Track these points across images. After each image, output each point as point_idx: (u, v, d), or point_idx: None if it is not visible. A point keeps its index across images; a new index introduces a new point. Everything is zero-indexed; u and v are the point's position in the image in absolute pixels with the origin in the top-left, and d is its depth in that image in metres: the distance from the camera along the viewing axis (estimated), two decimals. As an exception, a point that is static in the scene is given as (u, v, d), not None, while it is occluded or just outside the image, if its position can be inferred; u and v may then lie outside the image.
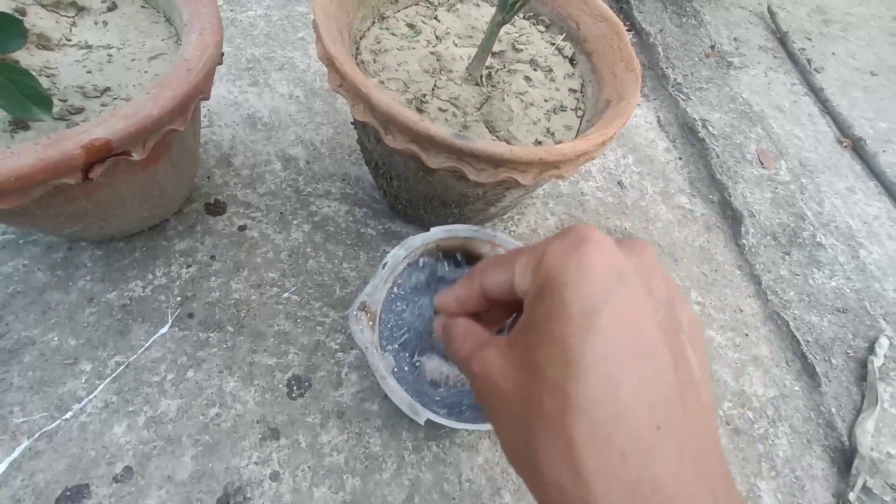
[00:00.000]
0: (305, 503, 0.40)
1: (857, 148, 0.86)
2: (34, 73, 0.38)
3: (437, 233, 0.41)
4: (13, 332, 0.44)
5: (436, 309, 0.24)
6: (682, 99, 0.82)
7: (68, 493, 0.38)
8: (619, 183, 0.70)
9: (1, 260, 0.47)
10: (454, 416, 0.35)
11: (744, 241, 0.66)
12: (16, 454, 0.39)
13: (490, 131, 0.44)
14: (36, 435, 0.40)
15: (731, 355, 0.56)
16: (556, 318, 0.16)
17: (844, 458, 0.50)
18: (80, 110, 0.36)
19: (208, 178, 0.58)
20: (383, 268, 0.38)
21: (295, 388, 0.46)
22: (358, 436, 0.44)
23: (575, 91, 0.49)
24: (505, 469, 0.45)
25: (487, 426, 0.33)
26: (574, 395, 0.15)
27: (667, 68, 0.85)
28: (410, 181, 0.44)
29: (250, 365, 0.46)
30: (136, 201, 0.44)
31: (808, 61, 0.99)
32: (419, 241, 0.40)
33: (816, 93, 0.95)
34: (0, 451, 0.38)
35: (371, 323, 0.35)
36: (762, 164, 0.76)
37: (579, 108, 0.47)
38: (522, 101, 0.46)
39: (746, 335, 0.58)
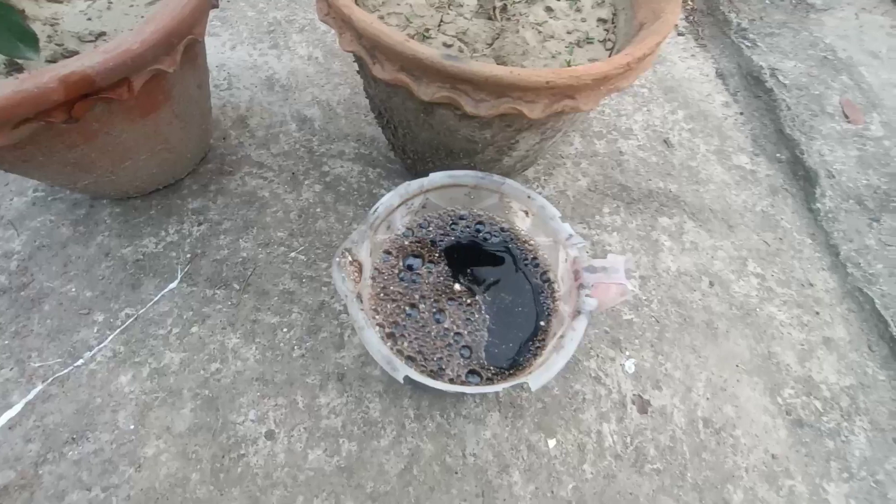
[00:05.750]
0: (299, 464, 0.39)
1: (977, 98, 0.71)
2: (40, 23, 0.38)
3: (438, 178, 0.37)
4: (36, 283, 0.45)
5: None
6: (747, 46, 0.71)
7: (74, 437, 0.39)
8: (666, 141, 0.62)
9: (31, 215, 0.49)
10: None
11: (818, 205, 0.56)
12: (31, 396, 0.40)
13: (502, 68, 0.39)
14: (49, 379, 0.41)
15: (796, 335, 0.48)
16: None
17: (943, 464, 0.41)
18: (73, 53, 0.36)
19: (224, 139, 0.57)
20: (373, 213, 0.34)
21: (296, 347, 0.44)
22: (357, 400, 0.42)
23: (605, 21, 0.42)
24: (515, 446, 0.40)
25: (477, 389, 0.29)
26: None
27: (729, 12, 0.74)
28: (412, 127, 0.40)
29: (253, 323, 0.45)
30: (142, 154, 0.44)
31: (915, -2, 0.83)
32: (416, 186, 0.36)
33: (924, 35, 0.79)
34: (17, 392, 0.40)
35: (355, 272, 0.32)
36: (847, 117, 0.64)
37: (608, 40, 0.41)
38: (540, 32, 0.40)
39: (817, 313, 0.49)
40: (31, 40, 0.31)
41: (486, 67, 0.29)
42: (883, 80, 0.72)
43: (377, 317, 0.34)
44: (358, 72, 0.46)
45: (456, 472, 0.39)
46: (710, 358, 0.46)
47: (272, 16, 0.70)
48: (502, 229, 0.39)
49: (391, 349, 0.32)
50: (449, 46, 0.39)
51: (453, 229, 0.39)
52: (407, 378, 0.28)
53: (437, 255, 0.38)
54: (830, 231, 0.54)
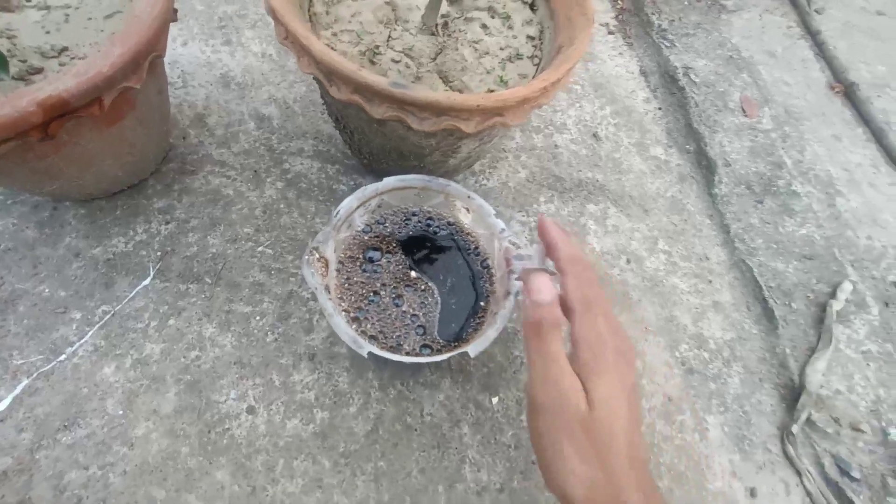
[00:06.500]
0: (279, 433, 0.45)
1: (849, 94, 0.84)
2: (-5, 35, 0.40)
3: (391, 182, 0.43)
4: (7, 285, 0.47)
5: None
6: (666, 46, 0.80)
7: (66, 425, 0.42)
8: (595, 135, 0.70)
9: (-9, 219, 0.50)
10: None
11: (716, 190, 0.66)
12: (17, 391, 0.43)
13: (444, 82, 0.44)
14: (34, 374, 0.44)
15: (692, 300, 0.58)
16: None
17: (793, 395, 0.53)
18: (38, 70, 0.38)
19: (184, 138, 0.59)
20: (335, 216, 0.40)
21: (269, 333, 0.49)
22: (327, 375, 0.48)
23: (533, 38, 0.48)
24: (465, 405, 0.48)
25: (428, 359, 0.36)
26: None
27: (652, 14, 0.82)
28: (367, 133, 0.45)
29: (227, 313, 0.49)
30: (107, 159, 0.46)
31: (808, 1, 0.95)
32: (371, 190, 0.42)
33: (813, 35, 0.91)
34: (3, 388, 0.43)
35: (322, 267, 0.38)
36: (745, 112, 0.75)
37: (536, 56, 0.47)
38: (477, 49, 0.46)
39: (710, 282, 0.60)
40: (2, 63, 0.33)
41: (426, 94, 0.34)
42: (776, 77, 0.83)
43: (343, 304, 0.40)
44: (315, 81, 0.50)
45: (415, 430, 0.46)
46: (624, 322, 0.55)
47: (222, 10, 0.71)
48: (449, 223, 0.46)
49: (356, 330, 0.38)
50: (397, 62, 0.44)
51: (407, 224, 0.45)
52: (370, 354, 0.34)
53: (393, 245, 0.44)
54: (724, 212, 0.65)
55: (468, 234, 0.45)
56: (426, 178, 0.43)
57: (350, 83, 0.35)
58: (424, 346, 0.40)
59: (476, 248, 0.44)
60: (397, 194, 0.44)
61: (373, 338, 0.39)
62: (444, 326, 0.41)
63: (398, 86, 0.34)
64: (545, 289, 0.32)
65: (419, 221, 0.45)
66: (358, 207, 0.41)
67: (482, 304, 0.42)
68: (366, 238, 0.44)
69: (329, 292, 0.37)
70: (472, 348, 0.35)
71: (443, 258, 0.44)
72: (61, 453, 0.41)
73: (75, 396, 0.44)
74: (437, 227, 0.45)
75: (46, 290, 0.48)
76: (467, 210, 0.44)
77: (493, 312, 0.40)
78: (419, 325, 0.41)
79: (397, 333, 0.40)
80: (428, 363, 0.37)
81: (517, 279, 0.39)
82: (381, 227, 0.45)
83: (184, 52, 0.66)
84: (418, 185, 0.43)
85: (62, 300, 0.47)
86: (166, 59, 0.64)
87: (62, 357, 0.45)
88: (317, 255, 0.37)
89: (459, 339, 0.40)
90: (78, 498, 0.40)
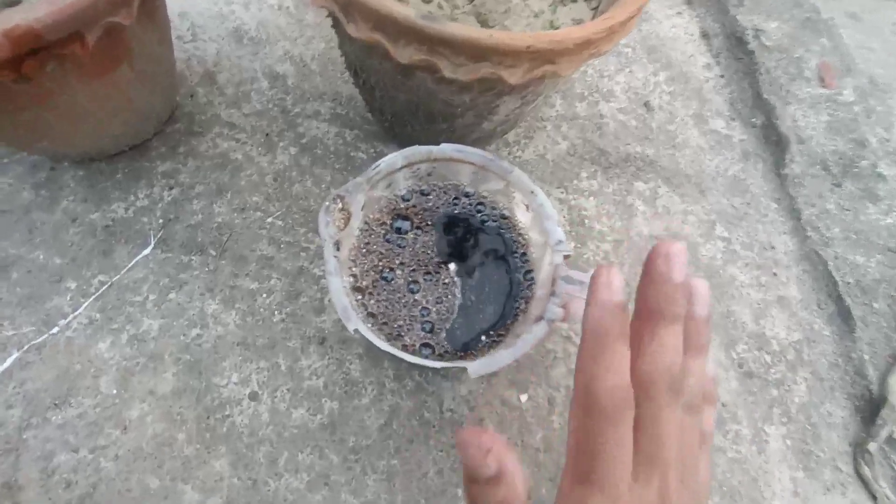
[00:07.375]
0: (283, 423, 0.40)
1: (946, 63, 0.72)
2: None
3: (448, 149, 0.37)
4: (0, 250, 0.44)
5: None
6: (733, 5, 0.70)
7: (56, 403, 0.39)
8: (646, 104, 0.62)
9: (-14, 178, 0.47)
10: None
11: (787, 170, 0.58)
12: (7, 364, 0.40)
13: (483, 27, 0.38)
14: (25, 347, 0.41)
15: (754, 295, 0.51)
16: None
17: (871, 408, 0.45)
18: (16, 2, 0.33)
19: (192, 96, 0.54)
20: (374, 168, 0.34)
21: (276, 312, 0.45)
22: (338, 362, 0.43)
23: (589, -22, 0.41)
24: (489, 401, 0.43)
25: (420, 360, 0.31)
26: None
27: (717, -33, 0.72)
28: (389, 88, 0.39)
29: (232, 288, 0.45)
30: (102, 115, 0.41)
31: (900, -44, 0.82)
32: (424, 152, 0.36)
33: (904, -4, 0.79)
34: (-7, 360, 0.40)
35: (342, 220, 0.33)
36: (823, 81, 0.65)
37: (592, -1, 0.40)
38: (522, -11, 0.39)
39: (775, 274, 0.52)
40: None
41: (464, 30, 0.28)
42: (858, 41, 0.72)
43: (354, 269, 0.35)
44: (333, 26, 0.44)
45: (433, 426, 0.41)
46: (674, 317, 0.49)
47: (236, -43, 0.64)
48: (503, 216, 0.39)
49: (357, 301, 0.33)
50: (428, 3, 0.37)
51: (455, 204, 0.39)
52: (356, 331, 0.29)
53: (428, 224, 0.38)
54: (795, 196, 0.56)
55: (520, 234, 0.38)
56: (488, 157, 0.36)
57: (370, 17, 0.29)
58: (426, 344, 0.34)
59: (524, 254, 0.38)
60: (452, 166, 0.37)
61: (371, 315, 0.34)
62: (457, 331, 0.35)
63: (428, 19, 0.28)
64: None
65: (469, 204, 0.39)
66: (403, 168, 0.36)
67: (508, 321, 0.36)
68: (402, 206, 0.38)
69: (338, 250, 0.32)
70: (474, 367, 0.29)
71: (482, 255, 0.38)
72: (51, 433, 0.38)
73: (68, 372, 0.40)
74: (486, 215, 0.39)
75: (41, 257, 0.44)
76: (527, 207, 0.37)
77: (517, 334, 0.33)
78: (427, 321, 0.35)
79: (400, 322, 0.35)
80: (420, 365, 0.31)
81: (559, 305, 0.31)
82: (425, 198, 0.39)
83: (195, 2, 0.60)
84: (477, 162, 0.37)
85: (57, 268, 0.44)
86: (175, 10, 0.59)
87: (55, 329, 0.42)
88: (339, 205, 0.32)
89: (468, 350, 0.34)
90: (67, 482, 0.37)
